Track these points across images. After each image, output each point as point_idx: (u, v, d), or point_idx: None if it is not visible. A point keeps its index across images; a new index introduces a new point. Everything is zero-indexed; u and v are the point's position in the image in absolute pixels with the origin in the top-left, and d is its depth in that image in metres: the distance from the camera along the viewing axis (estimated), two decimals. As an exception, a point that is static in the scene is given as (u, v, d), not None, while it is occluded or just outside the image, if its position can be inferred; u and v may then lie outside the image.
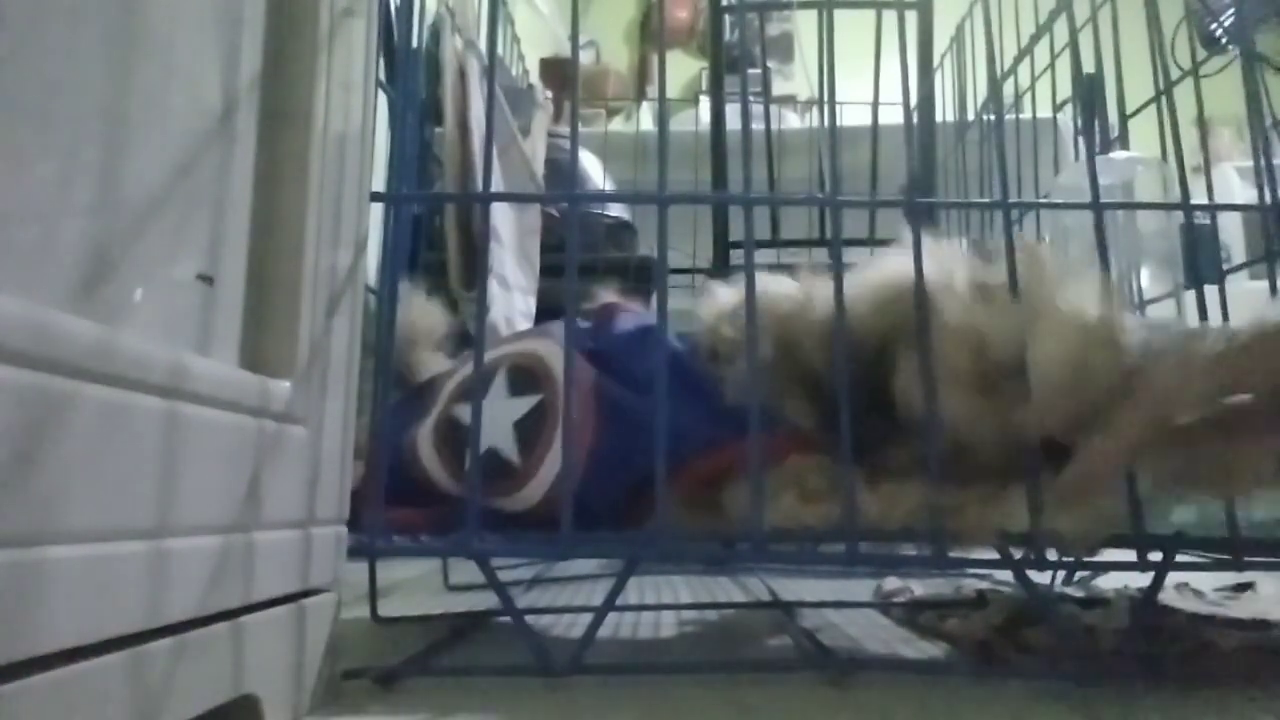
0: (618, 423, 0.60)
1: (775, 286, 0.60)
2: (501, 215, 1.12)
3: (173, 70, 0.35)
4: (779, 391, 0.57)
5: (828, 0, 0.63)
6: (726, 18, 1.56)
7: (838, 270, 0.57)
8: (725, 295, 0.62)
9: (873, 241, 1.27)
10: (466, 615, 0.76)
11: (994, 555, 0.55)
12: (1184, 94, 0.65)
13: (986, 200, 0.86)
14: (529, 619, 0.66)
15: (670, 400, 0.52)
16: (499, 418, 0.61)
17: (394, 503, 0.55)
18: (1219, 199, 0.64)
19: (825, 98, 0.63)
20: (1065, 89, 0.95)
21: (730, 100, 1.46)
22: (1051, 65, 0.97)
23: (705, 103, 1.61)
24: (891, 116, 1.13)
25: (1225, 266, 0.66)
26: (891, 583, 0.83)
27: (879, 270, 0.58)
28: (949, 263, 0.55)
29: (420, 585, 0.99)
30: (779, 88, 2.79)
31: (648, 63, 3.75)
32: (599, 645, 0.55)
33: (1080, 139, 0.87)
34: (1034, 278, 0.53)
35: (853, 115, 1.36)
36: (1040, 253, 0.55)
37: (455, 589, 0.96)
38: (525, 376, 0.63)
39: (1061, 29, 0.81)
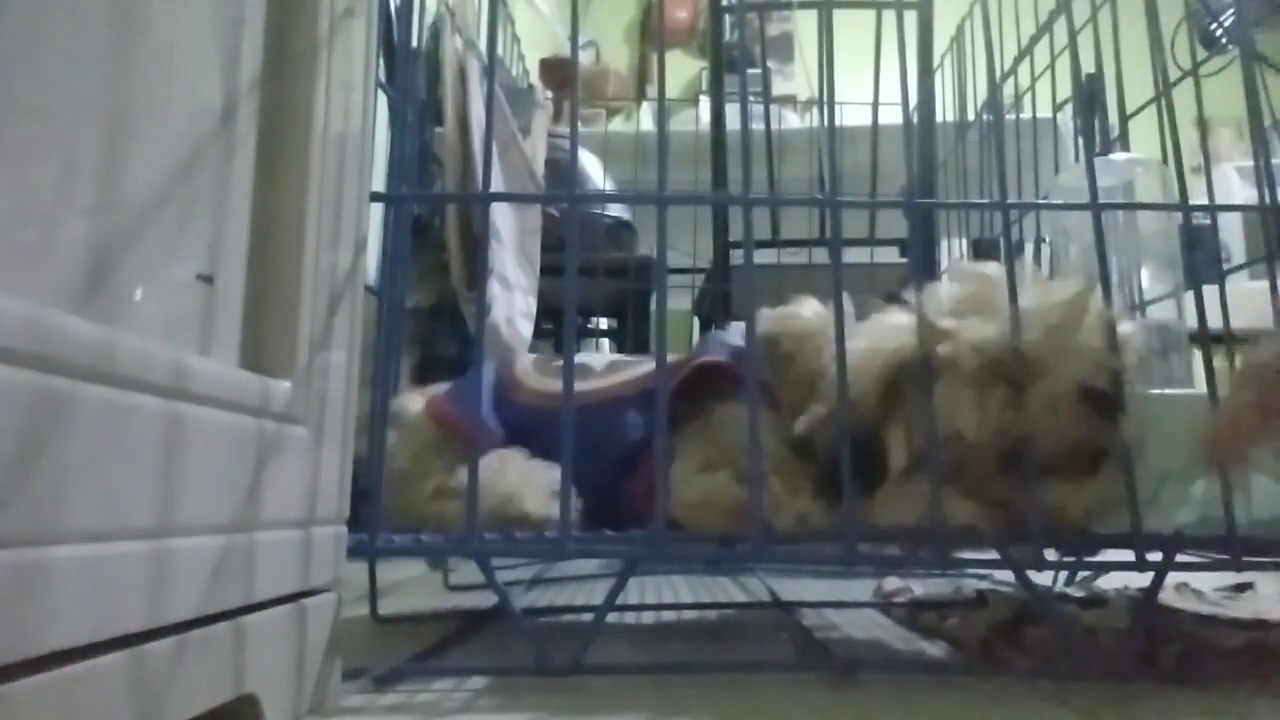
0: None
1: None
2: (502, 215, 1.12)
3: (173, 70, 0.35)
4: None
5: (828, 0, 0.63)
6: (726, 18, 1.56)
7: (837, 271, 0.57)
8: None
9: (873, 241, 1.27)
10: (466, 615, 0.76)
11: (994, 555, 0.55)
12: (1184, 94, 0.65)
13: (986, 201, 0.86)
14: (529, 619, 0.66)
15: None
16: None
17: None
18: (1219, 199, 0.64)
19: (825, 98, 0.64)
20: (1065, 89, 0.95)
21: (730, 100, 1.46)
22: (1051, 65, 0.97)
23: (705, 103, 1.61)
24: (891, 116, 1.13)
25: (1225, 266, 0.66)
26: (891, 583, 0.83)
27: (877, 343, 0.59)
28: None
29: (420, 585, 1.00)
30: (779, 88, 2.79)
31: (648, 63, 3.75)
32: (599, 645, 0.55)
33: (1080, 139, 0.87)
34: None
35: (853, 115, 1.36)
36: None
37: (455, 589, 0.96)
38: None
39: (1061, 29, 0.80)
